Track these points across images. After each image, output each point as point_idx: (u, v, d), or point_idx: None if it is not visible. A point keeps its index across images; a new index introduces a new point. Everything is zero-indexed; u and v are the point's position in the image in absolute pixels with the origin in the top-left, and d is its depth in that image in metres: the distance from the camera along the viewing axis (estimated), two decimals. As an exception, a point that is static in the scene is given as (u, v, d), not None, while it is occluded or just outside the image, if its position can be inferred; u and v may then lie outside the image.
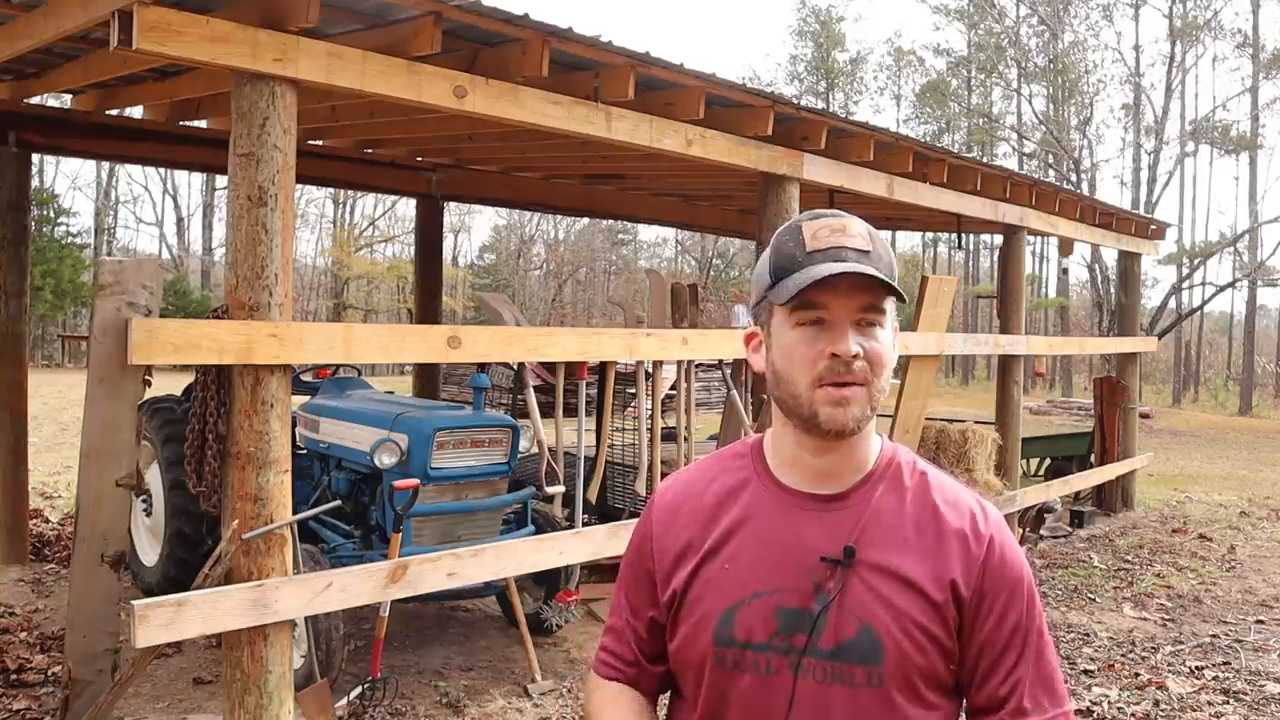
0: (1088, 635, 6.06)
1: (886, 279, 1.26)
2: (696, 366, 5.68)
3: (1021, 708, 1.31)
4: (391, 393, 6.62)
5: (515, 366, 5.92)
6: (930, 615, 1.28)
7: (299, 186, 5.82)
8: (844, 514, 1.33)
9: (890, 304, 1.31)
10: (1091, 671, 5.38)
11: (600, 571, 6.14)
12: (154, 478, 5.51)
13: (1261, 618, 6.55)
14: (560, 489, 5.05)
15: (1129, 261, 11.54)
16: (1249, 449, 18.41)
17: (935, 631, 1.28)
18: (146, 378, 3.59)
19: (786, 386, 1.31)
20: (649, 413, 5.51)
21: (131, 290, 3.39)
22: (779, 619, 1.29)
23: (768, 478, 1.38)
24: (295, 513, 3.72)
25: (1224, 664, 5.57)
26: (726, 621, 1.32)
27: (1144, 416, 16.84)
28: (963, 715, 1.36)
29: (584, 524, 5.17)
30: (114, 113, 6.32)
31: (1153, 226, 11.16)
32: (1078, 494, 10.19)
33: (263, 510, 3.51)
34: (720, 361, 6.25)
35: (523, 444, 5.19)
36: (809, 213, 1.36)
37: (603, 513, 6.69)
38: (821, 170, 5.85)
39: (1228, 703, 4.97)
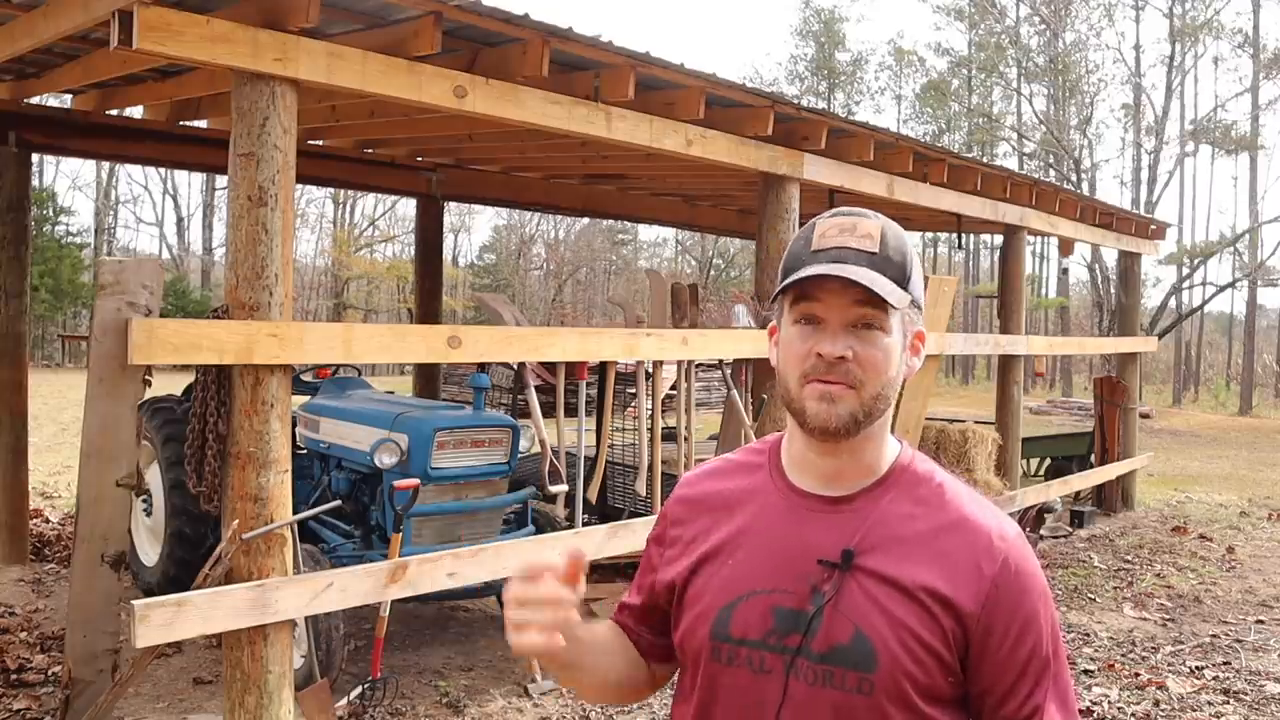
0: (1088, 635, 6.06)
1: (867, 284, 1.22)
2: (696, 366, 5.67)
3: None
4: (391, 393, 6.62)
5: (515, 366, 5.92)
6: (930, 628, 1.25)
7: (299, 186, 5.82)
8: (848, 517, 1.31)
9: (896, 311, 1.26)
10: (1091, 671, 5.38)
11: (600, 571, 6.14)
12: (154, 478, 5.51)
13: (1261, 618, 6.55)
14: (564, 488, 5.05)
15: (1129, 261, 11.54)
16: (1249, 449, 18.39)
17: (934, 645, 1.25)
18: (146, 378, 3.60)
19: (781, 381, 1.32)
20: (649, 413, 5.51)
21: (132, 290, 3.39)
22: (775, 618, 1.29)
23: (779, 477, 1.38)
24: (295, 513, 3.73)
25: (1224, 664, 5.57)
26: (724, 617, 1.32)
27: (1144, 416, 16.85)
28: None
29: (584, 524, 5.17)
30: (114, 113, 6.32)
31: (1153, 226, 11.16)
32: (1078, 494, 10.18)
33: (263, 510, 3.52)
34: (720, 361, 6.25)
35: (523, 444, 5.19)
36: (832, 210, 1.35)
37: (603, 513, 6.68)
38: (822, 170, 5.85)
39: (1228, 703, 4.97)
